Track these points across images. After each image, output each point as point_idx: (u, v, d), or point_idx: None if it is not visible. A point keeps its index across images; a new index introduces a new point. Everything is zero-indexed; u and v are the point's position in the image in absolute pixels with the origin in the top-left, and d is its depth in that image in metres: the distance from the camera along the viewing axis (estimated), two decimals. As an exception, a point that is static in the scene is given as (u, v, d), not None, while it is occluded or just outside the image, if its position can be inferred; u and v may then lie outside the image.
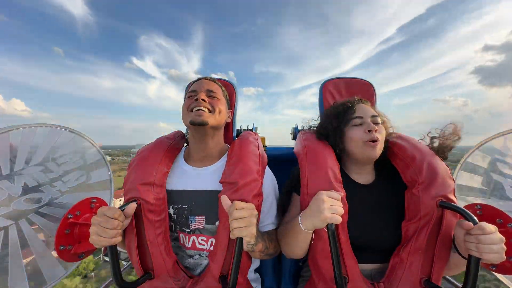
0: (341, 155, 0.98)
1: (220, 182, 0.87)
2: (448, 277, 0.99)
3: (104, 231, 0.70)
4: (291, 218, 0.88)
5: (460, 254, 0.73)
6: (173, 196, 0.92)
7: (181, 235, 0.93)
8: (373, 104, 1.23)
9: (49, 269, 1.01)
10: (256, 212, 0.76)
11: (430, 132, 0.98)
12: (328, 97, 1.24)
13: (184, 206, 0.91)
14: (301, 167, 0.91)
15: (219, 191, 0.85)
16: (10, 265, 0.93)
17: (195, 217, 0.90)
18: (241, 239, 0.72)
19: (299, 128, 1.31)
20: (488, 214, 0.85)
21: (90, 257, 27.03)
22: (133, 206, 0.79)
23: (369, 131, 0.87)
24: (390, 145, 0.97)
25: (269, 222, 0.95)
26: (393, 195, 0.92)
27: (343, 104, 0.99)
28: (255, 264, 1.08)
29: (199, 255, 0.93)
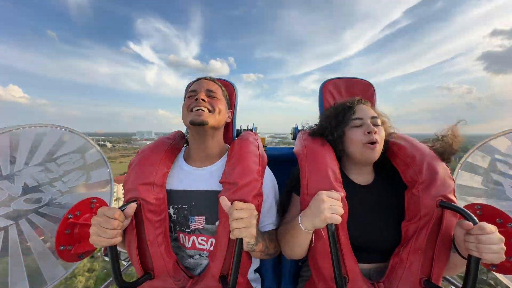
0: (341, 156, 0.98)
1: (220, 182, 0.87)
2: (448, 277, 0.99)
3: (104, 232, 0.70)
4: (291, 219, 0.88)
5: (460, 254, 0.73)
6: (173, 196, 0.92)
7: (181, 235, 0.93)
8: (373, 104, 1.23)
9: (49, 269, 1.01)
10: (256, 212, 0.76)
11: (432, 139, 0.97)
12: (328, 97, 1.24)
13: (184, 206, 0.91)
14: (301, 167, 0.91)
15: (219, 191, 0.86)
16: (10, 265, 0.92)
17: (195, 217, 0.90)
18: (241, 240, 0.73)
19: (299, 128, 1.30)
20: (488, 214, 0.85)
21: None
22: (133, 206, 0.79)
23: (369, 132, 0.87)
24: (390, 145, 0.97)
25: (269, 222, 0.95)
26: (393, 195, 0.92)
27: (343, 105, 0.99)
28: (255, 264, 1.08)
29: (199, 255, 0.93)
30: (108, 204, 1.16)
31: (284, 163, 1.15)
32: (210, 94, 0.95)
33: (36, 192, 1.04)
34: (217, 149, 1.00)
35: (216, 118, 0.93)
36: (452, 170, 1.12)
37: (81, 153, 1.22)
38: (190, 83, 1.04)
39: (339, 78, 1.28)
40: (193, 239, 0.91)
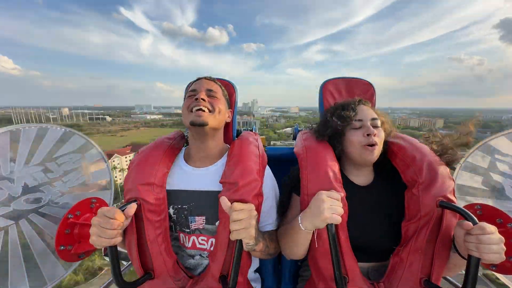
0: (340, 156, 0.99)
1: (220, 182, 0.87)
2: (448, 277, 0.99)
3: (104, 232, 0.70)
4: (291, 219, 0.88)
5: (460, 254, 0.73)
6: (173, 196, 0.92)
7: (181, 235, 0.93)
8: (373, 105, 1.24)
9: (49, 269, 1.01)
10: (255, 212, 0.76)
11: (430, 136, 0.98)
12: (328, 97, 1.25)
13: (184, 206, 0.91)
14: (301, 167, 0.91)
15: (219, 191, 0.86)
16: (10, 265, 0.92)
17: (195, 217, 0.90)
18: (240, 240, 0.73)
19: (299, 128, 1.31)
20: (488, 214, 0.85)
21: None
22: (133, 206, 0.79)
23: (368, 135, 0.88)
24: (390, 145, 0.97)
25: (269, 222, 0.95)
26: (392, 195, 0.92)
27: (343, 105, 1.00)
28: (255, 264, 1.08)
29: (200, 255, 0.93)
30: (108, 204, 1.16)
31: (284, 163, 1.15)
32: (210, 93, 0.96)
33: (36, 192, 1.03)
34: (217, 149, 1.01)
35: (216, 118, 0.93)
36: (452, 170, 1.12)
37: (81, 153, 1.22)
38: (190, 83, 1.05)
39: (339, 78, 1.29)
40: (193, 239, 0.91)
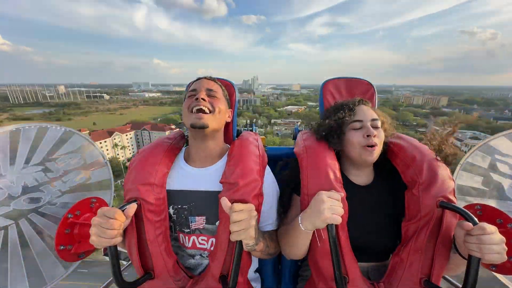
0: (340, 156, 0.99)
1: (220, 182, 0.87)
2: (448, 277, 0.99)
3: (104, 232, 0.70)
4: (291, 219, 0.89)
5: (460, 254, 0.74)
6: (173, 197, 0.92)
7: (181, 235, 0.93)
8: (373, 105, 1.24)
9: (49, 269, 1.01)
10: (255, 213, 0.77)
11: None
12: (329, 97, 1.25)
13: (184, 207, 0.91)
14: (301, 167, 0.91)
15: (219, 191, 0.86)
16: (10, 265, 0.92)
17: (195, 217, 0.90)
18: (240, 241, 0.73)
19: (299, 128, 1.31)
20: (488, 214, 0.85)
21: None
22: (133, 206, 0.79)
23: (368, 136, 0.88)
24: (390, 145, 0.97)
25: (269, 222, 0.96)
26: (392, 195, 0.93)
27: (343, 105, 0.99)
28: (255, 264, 1.09)
29: (200, 255, 0.93)
30: (108, 204, 1.16)
31: (284, 164, 1.14)
32: (210, 93, 0.96)
33: (36, 192, 1.03)
34: (217, 150, 1.00)
35: (216, 118, 0.93)
36: (452, 170, 1.12)
37: (81, 152, 1.22)
38: (190, 83, 1.04)
39: (339, 78, 1.29)
40: (193, 239, 0.92)
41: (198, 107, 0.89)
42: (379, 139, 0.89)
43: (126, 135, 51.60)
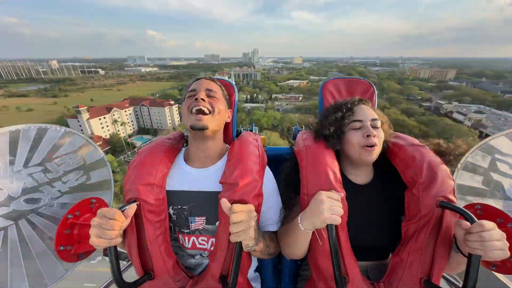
0: (339, 155, 1.00)
1: (220, 182, 0.88)
2: (448, 277, 1.00)
3: (104, 233, 0.70)
4: (291, 219, 0.89)
5: (462, 253, 0.73)
6: (173, 197, 0.92)
7: (180, 236, 0.94)
8: (373, 105, 1.23)
9: (49, 269, 1.01)
10: (255, 213, 0.77)
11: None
12: (328, 97, 1.25)
13: (184, 207, 0.92)
14: (301, 167, 0.92)
15: (219, 192, 0.86)
16: (10, 265, 0.93)
17: (195, 217, 0.91)
18: (240, 242, 0.74)
19: (299, 128, 1.32)
20: (488, 214, 0.86)
21: (113, 157, 29.71)
22: (133, 207, 0.79)
23: (368, 136, 0.88)
24: (390, 145, 0.97)
25: (270, 222, 0.96)
26: (391, 195, 0.93)
27: (343, 105, 0.99)
28: (255, 263, 1.10)
29: (201, 255, 0.94)
30: (108, 204, 1.16)
31: (284, 163, 1.12)
32: (209, 93, 0.96)
33: (35, 192, 1.03)
34: (217, 150, 1.01)
35: (216, 119, 0.93)
36: (452, 170, 1.11)
37: (81, 153, 1.22)
38: (190, 83, 1.04)
39: (339, 78, 1.29)
40: (193, 240, 0.93)
41: (197, 108, 0.89)
42: (378, 139, 0.89)
43: (125, 111, 50.78)
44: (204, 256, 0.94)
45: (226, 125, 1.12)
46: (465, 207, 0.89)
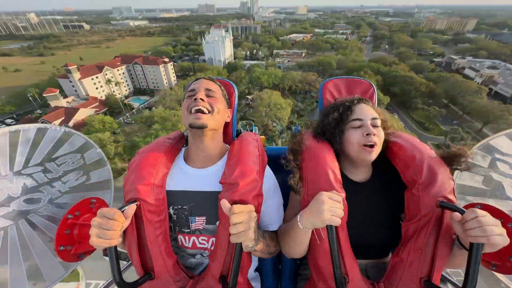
0: (339, 154, 0.99)
1: (220, 182, 0.87)
2: (448, 277, 1.00)
3: (104, 233, 0.71)
4: (290, 217, 0.90)
5: (466, 248, 0.73)
6: (173, 197, 0.93)
7: (180, 236, 0.94)
8: (373, 104, 1.21)
9: (49, 269, 1.01)
10: (255, 214, 0.77)
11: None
12: (328, 97, 1.25)
13: (185, 207, 0.92)
14: (301, 167, 0.92)
15: (219, 192, 0.86)
16: (10, 265, 0.93)
17: (196, 217, 0.91)
18: (240, 243, 0.74)
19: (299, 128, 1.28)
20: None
21: (112, 118, 29.56)
22: (132, 207, 0.80)
23: (368, 134, 0.88)
24: (390, 144, 0.97)
25: (270, 222, 0.96)
26: (389, 193, 0.93)
27: (342, 103, 0.98)
28: (255, 263, 1.10)
29: (201, 254, 0.94)
30: (108, 204, 1.17)
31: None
32: (209, 93, 0.96)
33: (35, 192, 1.04)
34: (217, 150, 1.00)
35: (216, 119, 0.93)
36: (452, 170, 1.08)
37: (81, 153, 1.21)
38: (189, 83, 1.04)
39: (339, 78, 1.29)
40: (193, 239, 0.93)
41: (196, 108, 0.90)
42: (379, 138, 0.89)
43: (118, 70, 48.01)
44: (204, 256, 0.95)
45: (226, 125, 1.11)
46: (465, 207, 0.88)
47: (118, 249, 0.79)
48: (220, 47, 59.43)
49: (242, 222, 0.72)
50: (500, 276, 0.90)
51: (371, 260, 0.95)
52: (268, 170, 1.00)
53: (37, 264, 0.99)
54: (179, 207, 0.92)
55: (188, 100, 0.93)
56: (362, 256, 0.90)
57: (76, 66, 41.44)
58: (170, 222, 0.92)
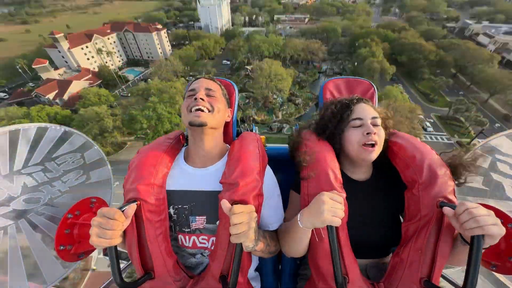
0: (339, 153, 0.99)
1: (220, 182, 0.87)
2: (448, 277, 1.00)
3: (104, 233, 0.71)
4: (290, 217, 0.90)
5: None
6: (173, 197, 0.93)
7: (180, 236, 0.94)
8: (373, 104, 1.20)
9: (49, 269, 1.01)
10: (255, 214, 0.77)
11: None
12: (329, 97, 1.24)
13: (185, 206, 0.92)
14: (302, 167, 0.91)
15: (219, 191, 0.86)
16: (10, 265, 0.93)
17: (196, 217, 0.91)
18: (240, 243, 0.74)
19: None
20: None
21: (107, 91, 28.69)
22: (133, 207, 0.80)
23: (368, 133, 0.87)
24: (390, 144, 0.97)
25: (270, 222, 0.96)
26: (389, 192, 0.94)
27: (342, 103, 0.98)
28: (255, 262, 1.10)
29: (201, 254, 0.95)
30: (108, 204, 1.17)
31: (284, 163, 1.13)
32: (209, 93, 0.96)
33: (35, 192, 1.04)
34: (217, 149, 1.00)
35: (216, 118, 0.94)
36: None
37: (81, 152, 1.21)
38: (189, 82, 1.04)
39: (339, 78, 1.29)
40: (194, 239, 0.93)
41: (197, 107, 0.90)
42: (379, 137, 0.89)
43: (109, 39, 44.75)
44: (204, 256, 0.95)
45: (226, 125, 1.11)
46: None
47: (118, 248, 0.79)
48: (216, 12, 54.83)
49: (242, 222, 0.72)
50: (500, 276, 0.90)
51: (371, 260, 0.95)
52: (268, 170, 1.00)
53: (37, 264, 0.99)
54: (179, 206, 0.92)
55: (188, 100, 0.93)
56: (362, 255, 0.91)
57: (62, 34, 38.58)
58: (170, 222, 0.93)
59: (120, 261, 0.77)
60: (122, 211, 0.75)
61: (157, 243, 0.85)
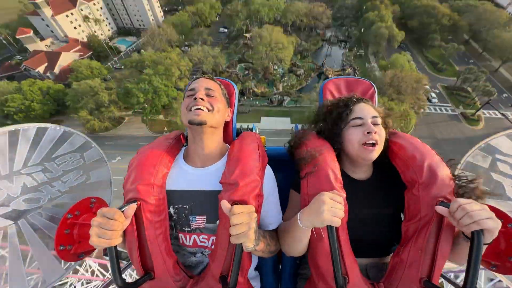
0: (339, 153, 0.99)
1: (220, 182, 0.87)
2: (448, 276, 1.01)
3: (104, 233, 0.71)
4: (290, 216, 0.90)
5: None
6: (173, 196, 0.93)
7: (180, 235, 0.94)
8: (373, 104, 1.20)
9: (49, 269, 1.02)
10: (255, 215, 0.77)
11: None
12: (329, 97, 1.24)
13: (185, 206, 0.92)
14: (301, 167, 0.92)
15: (219, 191, 0.86)
16: (9, 265, 0.94)
17: (196, 216, 0.92)
18: (240, 243, 0.74)
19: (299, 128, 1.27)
20: None
21: (99, 63, 27.55)
22: (133, 207, 0.80)
23: (368, 133, 0.87)
24: (391, 144, 0.97)
25: (270, 222, 0.96)
26: (389, 192, 0.94)
27: (341, 102, 0.98)
28: (255, 262, 1.10)
29: (202, 253, 0.95)
30: (108, 204, 1.17)
31: (284, 163, 1.13)
32: (209, 92, 0.96)
33: (35, 192, 1.04)
34: (217, 149, 1.00)
35: (215, 117, 0.94)
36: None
37: (81, 152, 1.21)
38: (189, 82, 1.04)
39: (339, 78, 1.28)
40: (194, 238, 0.94)
41: (196, 107, 0.90)
42: (380, 137, 0.89)
43: (95, 4, 41.31)
44: (205, 255, 0.95)
45: (226, 125, 1.11)
46: None
47: (118, 248, 0.79)
48: (211, -30, 49.11)
49: (242, 223, 0.72)
50: (500, 276, 0.90)
51: (372, 260, 0.96)
52: (268, 170, 0.99)
53: (36, 264, 1.00)
54: (179, 206, 0.93)
55: (188, 100, 0.93)
56: (362, 254, 0.91)
57: (44, 0, 35.38)
58: (170, 221, 0.93)
59: (120, 261, 0.77)
60: (122, 211, 0.76)
61: (157, 243, 0.85)
